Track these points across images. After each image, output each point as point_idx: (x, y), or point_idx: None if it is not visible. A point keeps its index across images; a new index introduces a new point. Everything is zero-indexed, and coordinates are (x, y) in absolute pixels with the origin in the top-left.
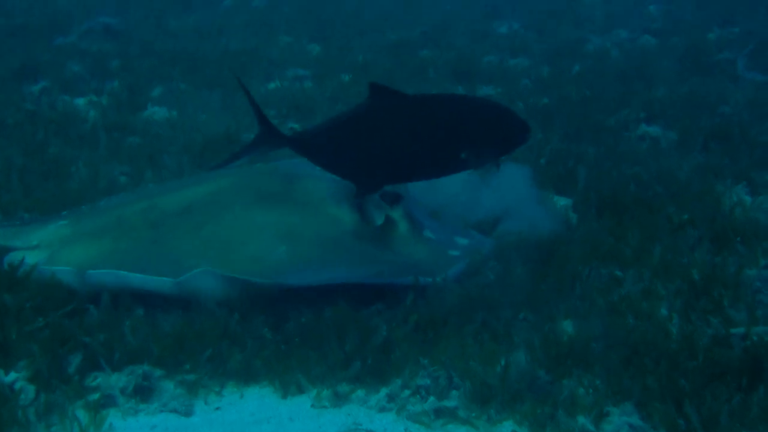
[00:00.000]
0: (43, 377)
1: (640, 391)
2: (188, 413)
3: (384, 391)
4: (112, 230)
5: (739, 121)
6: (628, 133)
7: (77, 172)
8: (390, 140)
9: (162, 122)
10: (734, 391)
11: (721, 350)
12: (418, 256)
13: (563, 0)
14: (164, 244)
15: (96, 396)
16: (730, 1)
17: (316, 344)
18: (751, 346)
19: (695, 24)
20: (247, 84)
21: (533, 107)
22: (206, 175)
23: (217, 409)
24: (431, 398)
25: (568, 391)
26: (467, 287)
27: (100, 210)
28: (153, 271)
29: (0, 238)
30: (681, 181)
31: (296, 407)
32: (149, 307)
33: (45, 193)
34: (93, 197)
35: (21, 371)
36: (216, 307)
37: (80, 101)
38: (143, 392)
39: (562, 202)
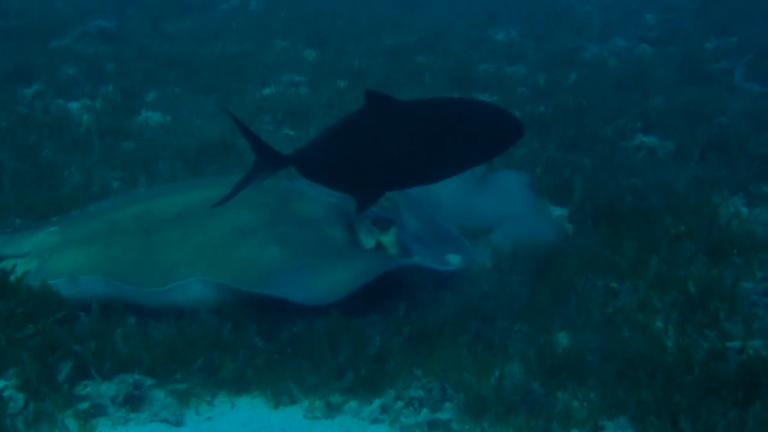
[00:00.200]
0: (32, 385)
1: (635, 405)
2: (179, 423)
3: (377, 403)
4: (103, 236)
5: (736, 132)
6: (625, 143)
7: (70, 177)
8: (386, 147)
9: (156, 127)
10: (730, 406)
11: (717, 364)
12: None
13: (560, 7)
14: (156, 252)
15: (86, 405)
16: (728, 11)
17: (308, 354)
18: (747, 360)
19: (693, 33)
20: (242, 89)
21: (529, 115)
22: (200, 181)
23: (208, 419)
24: (424, 410)
25: (563, 404)
26: (462, 297)
27: (91, 215)
28: (144, 279)
29: None
30: (678, 192)
31: (288, 418)
32: (141, 315)
33: (37, 198)
34: (86, 203)
35: (10, 379)
36: (208, 316)
37: (74, 105)
38: (134, 401)
39: (557, 212)
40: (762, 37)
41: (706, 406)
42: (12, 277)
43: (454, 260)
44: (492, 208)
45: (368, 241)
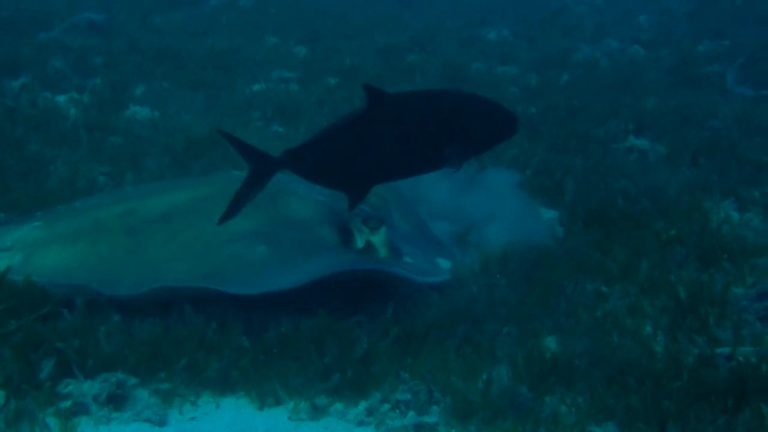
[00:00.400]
0: (13, 383)
1: (623, 411)
2: (162, 423)
3: (363, 405)
4: (88, 233)
5: (727, 135)
6: (616, 145)
7: (56, 172)
8: (378, 140)
9: (144, 122)
10: (719, 413)
11: (706, 370)
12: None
13: (554, 8)
14: (141, 251)
15: (68, 403)
16: (721, 14)
17: (295, 355)
18: (736, 367)
19: (685, 35)
20: (231, 85)
21: (521, 116)
22: (187, 181)
23: (192, 419)
24: (411, 413)
25: (551, 409)
26: (450, 300)
27: (76, 211)
28: (129, 277)
29: None
30: (669, 196)
31: (273, 419)
32: (125, 312)
33: (22, 192)
34: (72, 198)
35: None
36: (193, 315)
37: (61, 98)
38: (116, 400)
39: (548, 214)
40: (754, 41)
41: (695, 412)
42: None
43: (444, 264)
44: (482, 208)
45: (358, 241)
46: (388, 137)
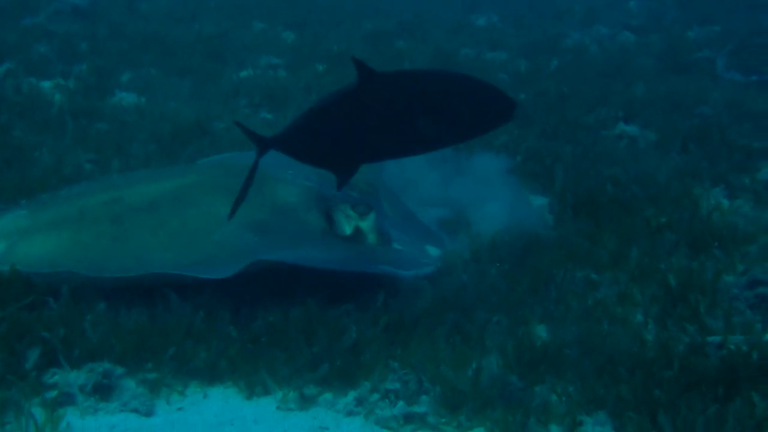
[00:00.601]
0: None
1: (614, 400)
2: (149, 413)
3: (352, 395)
4: (73, 222)
5: (717, 122)
6: (606, 132)
7: (41, 159)
8: (367, 118)
9: (130, 109)
10: (710, 402)
11: (697, 359)
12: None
13: None
14: (128, 239)
15: (54, 393)
16: (710, 0)
17: (283, 344)
18: (727, 356)
19: (675, 21)
20: (219, 71)
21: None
22: (174, 169)
23: (180, 409)
24: (400, 403)
25: (541, 398)
26: (439, 288)
27: (61, 200)
28: (115, 266)
29: None
30: (659, 183)
31: (261, 409)
32: (111, 301)
33: (7, 180)
34: (57, 185)
35: None
36: (181, 304)
37: (46, 84)
38: (103, 390)
39: (538, 201)
40: (744, 27)
41: (686, 401)
42: None
43: (433, 252)
44: (472, 195)
45: (346, 227)
46: (378, 116)
